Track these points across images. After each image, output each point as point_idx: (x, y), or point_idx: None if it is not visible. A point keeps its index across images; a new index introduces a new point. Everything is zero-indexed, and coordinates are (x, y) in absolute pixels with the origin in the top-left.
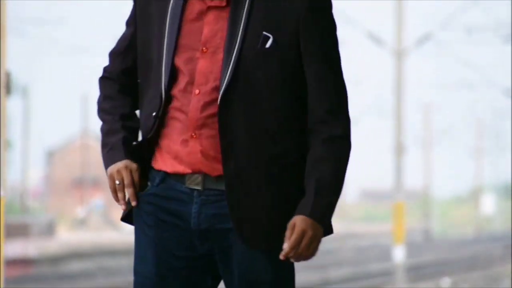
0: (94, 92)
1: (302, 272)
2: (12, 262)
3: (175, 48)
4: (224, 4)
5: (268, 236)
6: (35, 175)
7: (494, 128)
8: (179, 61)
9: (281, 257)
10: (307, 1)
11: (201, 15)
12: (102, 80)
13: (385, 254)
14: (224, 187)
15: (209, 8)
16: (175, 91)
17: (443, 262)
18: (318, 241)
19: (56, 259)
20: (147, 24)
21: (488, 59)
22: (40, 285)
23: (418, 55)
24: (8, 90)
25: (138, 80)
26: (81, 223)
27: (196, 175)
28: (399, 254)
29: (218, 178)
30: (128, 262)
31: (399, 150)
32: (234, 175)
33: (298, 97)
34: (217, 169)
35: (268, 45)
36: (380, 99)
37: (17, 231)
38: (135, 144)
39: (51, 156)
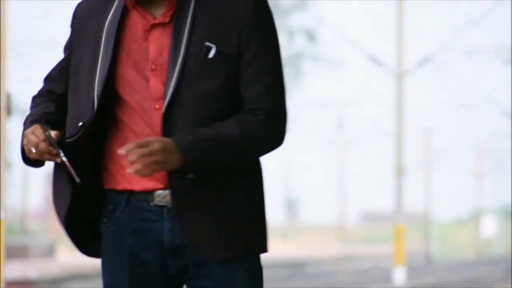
0: None
1: None
2: (13, 284)
3: (115, 66)
4: (167, 20)
5: (220, 246)
6: (36, 195)
7: (494, 149)
8: (128, 79)
9: (120, 150)
10: (249, 12)
11: (145, 33)
12: (32, 98)
13: (386, 276)
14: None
15: (153, 25)
16: (122, 105)
17: (443, 284)
18: (163, 158)
19: (56, 281)
20: (81, 45)
21: (488, 81)
22: None
23: (418, 77)
24: (9, 111)
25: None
26: None
27: (166, 191)
28: (399, 276)
29: None
30: None
31: (400, 172)
32: (179, 188)
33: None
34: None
35: (211, 55)
36: (380, 120)
37: (17, 252)
38: (72, 140)
39: (51, 177)
